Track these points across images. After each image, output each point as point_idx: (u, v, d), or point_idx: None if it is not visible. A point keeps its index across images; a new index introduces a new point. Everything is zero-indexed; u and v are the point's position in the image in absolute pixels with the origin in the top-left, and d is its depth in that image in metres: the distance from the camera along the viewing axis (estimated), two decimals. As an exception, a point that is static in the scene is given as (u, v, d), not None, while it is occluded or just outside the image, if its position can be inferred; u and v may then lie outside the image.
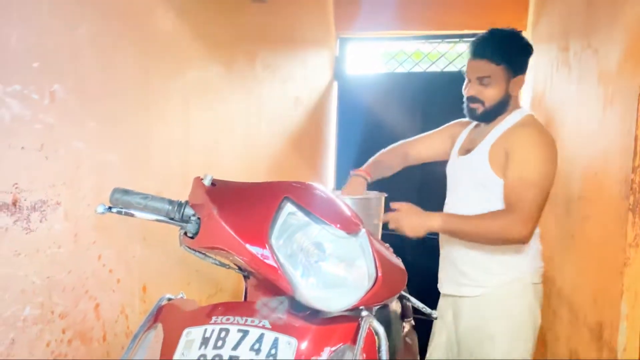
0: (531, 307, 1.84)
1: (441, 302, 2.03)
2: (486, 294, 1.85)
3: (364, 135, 3.65)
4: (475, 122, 2.00)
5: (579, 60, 2.31)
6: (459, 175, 1.97)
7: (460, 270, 1.91)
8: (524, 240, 1.72)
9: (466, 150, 1.95)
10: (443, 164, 2.09)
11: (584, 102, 2.19)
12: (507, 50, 1.83)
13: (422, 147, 2.17)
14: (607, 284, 1.78)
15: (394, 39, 3.94)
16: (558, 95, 2.65)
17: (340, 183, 3.93)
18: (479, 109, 1.88)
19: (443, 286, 2.00)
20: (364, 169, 2.10)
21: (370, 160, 2.18)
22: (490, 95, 1.85)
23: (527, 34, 3.50)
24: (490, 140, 1.85)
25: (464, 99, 1.92)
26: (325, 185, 3.85)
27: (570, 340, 2.24)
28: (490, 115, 1.88)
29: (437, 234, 1.99)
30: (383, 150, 2.22)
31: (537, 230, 1.83)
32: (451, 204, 1.98)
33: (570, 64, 2.44)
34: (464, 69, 1.93)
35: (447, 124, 2.16)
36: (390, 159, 2.19)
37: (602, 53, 2.03)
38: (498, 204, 1.78)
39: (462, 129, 2.07)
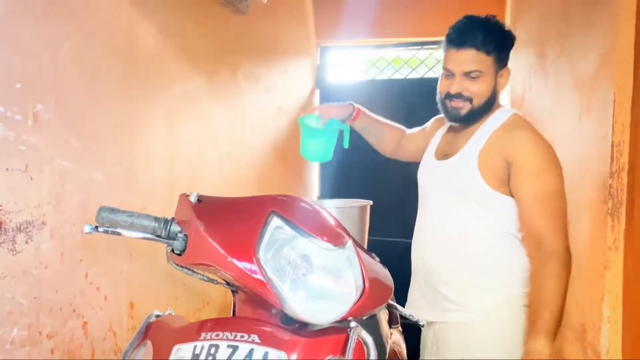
0: (524, 332, 1.61)
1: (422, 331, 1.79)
2: (474, 320, 1.63)
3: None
4: (449, 123, 1.77)
5: (555, 67, 2.36)
6: (436, 182, 1.73)
7: (443, 293, 1.67)
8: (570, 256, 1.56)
9: (444, 154, 1.73)
10: None
11: (561, 108, 2.24)
12: (496, 38, 1.61)
13: (410, 141, 2.00)
14: (588, 287, 1.82)
15: (373, 47, 3.99)
16: (536, 100, 2.70)
17: (324, 191, 3.96)
18: (464, 108, 1.64)
19: (421, 312, 1.71)
20: (359, 112, 1.92)
21: (374, 115, 2.00)
22: (480, 91, 1.62)
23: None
24: (478, 144, 1.63)
25: (440, 98, 1.70)
26: (310, 193, 3.87)
27: (555, 342, 2.27)
28: (476, 115, 1.66)
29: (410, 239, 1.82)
30: (390, 122, 2.04)
31: (519, 237, 1.63)
32: (426, 219, 1.76)
33: (547, 69, 2.48)
34: (444, 62, 1.68)
35: (429, 122, 1.98)
36: (388, 133, 2.01)
37: (577, 60, 2.07)
38: (483, 216, 1.61)
39: (437, 127, 1.87)
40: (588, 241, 1.84)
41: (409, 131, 2.04)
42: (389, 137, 2.03)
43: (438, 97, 1.71)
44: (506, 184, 1.60)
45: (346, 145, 1.91)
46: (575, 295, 2.02)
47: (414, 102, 3.73)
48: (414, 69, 3.90)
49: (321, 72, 3.96)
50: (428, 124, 1.97)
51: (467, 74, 1.61)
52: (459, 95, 1.63)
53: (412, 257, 1.81)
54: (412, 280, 1.81)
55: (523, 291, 1.62)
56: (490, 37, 1.60)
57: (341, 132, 1.91)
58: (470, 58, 1.60)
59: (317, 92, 3.94)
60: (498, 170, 1.59)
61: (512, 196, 1.60)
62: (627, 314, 1.64)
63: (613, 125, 1.65)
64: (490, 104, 1.66)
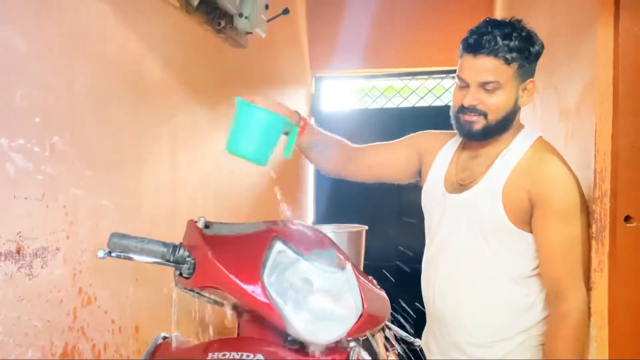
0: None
1: None
2: None
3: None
4: (460, 139, 1.56)
5: (542, 97, 2.46)
6: (451, 217, 1.51)
7: (455, 341, 1.51)
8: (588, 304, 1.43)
9: (459, 183, 1.51)
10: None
11: (548, 136, 2.33)
12: (519, 45, 1.39)
13: (381, 157, 1.70)
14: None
15: (366, 77, 4.11)
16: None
17: (319, 216, 4.02)
18: (478, 123, 1.43)
19: (430, 355, 1.60)
20: (306, 123, 1.55)
21: (319, 129, 1.65)
22: (496, 105, 1.41)
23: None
24: (502, 176, 1.43)
25: (454, 111, 1.48)
26: (305, 218, 3.93)
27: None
28: (492, 132, 1.45)
29: (419, 262, 1.65)
30: (339, 138, 1.69)
31: (539, 274, 1.47)
32: (438, 256, 1.55)
33: (534, 99, 2.59)
34: (458, 71, 1.46)
35: (411, 135, 1.71)
36: (336, 147, 1.66)
37: (562, 91, 2.17)
38: (502, 258, 1.45)
39: (439, 145, 1.61)
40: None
41: (373, 145, 1.73)
42: (337, 154, 1.67)
43: (452, 111, 1.50)
44: (528, 222, 1.43)
45: (287, 154, 1.54)
46: (564, 316, 2.08)
47: (406, 130, 3.81)
48: (405, 98, 4.02)
49: (316, 101, 4.07)
50: (411, 141, 1.70)
51: (482, 85, 1.40)
52: (473, 109, 1.42)
53: (424, 295, 1.61)
54: (427, 317, 1.65)
55: (541, 331, 1.47)
56: (513, 44, 1.37)
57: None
58: (488, 66, 1.38)
59: (312, 120, 4.04)
60: (522, 208, 1.41)
61: (532, 232, 1.43)
62: (613, 333, 1.70)
63: (595, 154, 1.74)
64: (508, 122, 1.45)
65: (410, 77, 4.00)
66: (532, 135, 1.51)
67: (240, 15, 2.10)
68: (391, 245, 3.49)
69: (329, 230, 2.16)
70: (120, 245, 1.25)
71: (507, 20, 1.43)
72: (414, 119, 3.72)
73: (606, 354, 1.71)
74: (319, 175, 4.08)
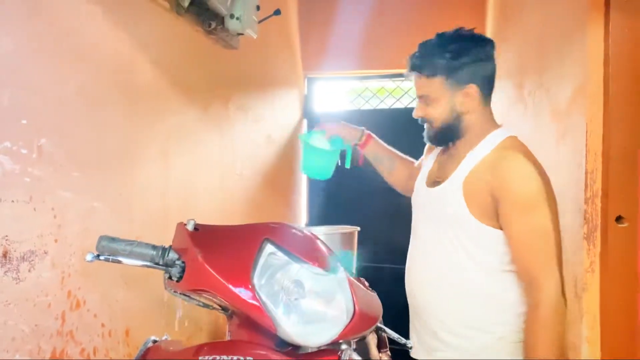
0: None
1: None
2: None
3: (334, 171, 3.76)
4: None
5: (533, 98, 2.47)
6: (426, 210, 1.65)
7: (432, 330, 1.59)
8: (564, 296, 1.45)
9: (434, 181, 1.64)
10: None
11: (540, 137, 2.34)
12: (436, 57, 1.52)
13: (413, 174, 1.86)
14: (568, 308, 1.89)
15: (359, 78, 4.10)
16: (516, 129, 2.80)
17: (312, 218, 4.02)
18: (429, 130, 1.61)
19: (414, 350, 1.67)
20: (369, 138, 1.85)
21: (385, 144, 1.91)
22: (435, 114, 1.56)
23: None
24: (464, 171, 1.53)
25: None
26: (298, 220, 3.93)
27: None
28: (444, 137, 1.60)
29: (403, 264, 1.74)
30: (402, 154, 1.93)
31: (515, 270, 1.50)
32: (417, 249, 1.68)
33: (525, 100, 2.60)
34: None
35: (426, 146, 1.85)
36: (400, 166, 1.89)
37: (554, 92, 2.18)
38: (472, 252, 1.51)
39: (431, 150, 1.78)
40: (567, 264, 1.92)
41: (416, 163, 1.91)
42: (400, 169, 1.89)
43: None
44: (494, 218, 1.48)
45: (347, 165, 1.84)
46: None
47: (398, 131, 3.81)
48: (398, 99, 4.02)
49: (308, 102, 4.06)
50: (425, 151, 1.86)
51: (420, 98, 1.59)
52: (421, 119, 1.62)
53: (406, 288, 1.71)
54: (410, 314, 1.72)
55: (521, 327, 1.48)
56: (429, 60, 1.53)
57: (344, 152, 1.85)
58: (419, 83, 1.57)
59: (305, 121, 4.03)
60: (485, 203, 1.48)
61: (502, 229, 1.49)
62: (605, 334, 1.71)
63: (586, 154, 1.75)
64: (455, 126, 1.56)
65: (403, 79, 3.99)
66: (503, 134, 1.56)
67: (231, 16, 2.10)
68: (384, 246, 3.49)
69: (321, 231, 2.16)
70: (109, 249, 1.24)
71: (440, 37, 1.56)
72: (406, 120, 3.69)
73: (598, 354, 1.72)
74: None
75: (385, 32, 3.87)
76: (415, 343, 1.65)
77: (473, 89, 1.53)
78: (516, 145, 1.54)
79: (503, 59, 3.20)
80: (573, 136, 1.90)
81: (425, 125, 1.63)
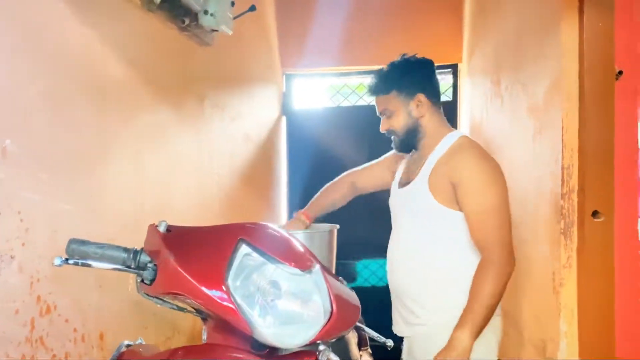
0: (488, 345, 1.72)
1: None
2: (437, 333, 1.71)
3: (314, 168, 3.74)
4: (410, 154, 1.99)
5: (510, 94, 2.48)
6: (400, 207, 1.93)
7: (410, 308, 1.83)
8: (513, 269, 1.68)
9: (405, 182, 1.91)
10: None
11: (517, 132, 2.35)
12: (388, 78, 1.87)
13: (366, 178, 2.20)
14: (546, 303, 1.90)
15: (338, 74, 4.08)
16: (493, 124, 2.82)
17: (292, 217, 4.00)
18: (395, 140, 1.92)
19: (396, 327, 1.92)
20: (304, 211, 2.20)
21: (311, 201, 2.24)
22: (396, 125, 1.86)
23: (462, 67, 3.71)
24: (428, 168, 1.80)
25: None
26: (278, 219, 3.90)
27: (520, 356, 2.34)
28: (409, 144, 1.90)
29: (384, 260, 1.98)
30: (327, 186, 2.25)
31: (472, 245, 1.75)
32: (395, 238, 1.94)
33: (502, 96, 2.61)
34: None
35: (384, 156, 2.17)
36: (334, 195, 2.22)
37: (530, 87, 2.19)
38: (436, 233, 1.77)
39: (401, 160, 2.05)
40: (544, 260, 1.93)
41: (358, 169, 2.22)
42: (339, 196, 2.23)
43: None
44: (454, 201, 1.75)
45: None
46: (534, 311, 2.10)
47: (377, 127, 3.84)
48: (377, 96, 4.01)
49: (287, 99, 4.03)
50: (388, 157, 2.15)
51: (384, 114, 1.90)
52: (388, 132, 1.91)
53: (388, 277, 1.96)
54: (391, 298, 1.95)
55: None
56: (383, 82, 1.87)
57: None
58: (379, 101, 1.91)
59: (284, 119, 4.00)
60: (447, 191, 1.75)
61: (461, 210, 1.75)
62: (583, 328, 1.72)
63: (562, 150, 1.75)
64: (416, 132, 1.87)
65: (382, 75, 3.98)
66: (455, 135, 1.85)
67: (205, 12, 2.06)
68: (363, 243, 3.48)
69: (300, 231, 2.13)
70: (79, 252, 1.21)
71: (391, 64, 1.90)
72: (385, 117, 3.72)
73: (576, 349, 1.73)
74: (292, 174, 4.05)
75: (364, 29, 3.86)
76: (399, 322, 1.89)
77: (422, 97, 1.84)
78: (467, 141, 1.83)
79: (480, 56, 3.21)
80: (549, 132, 1.91)
81: (392, 138, 1.92)
